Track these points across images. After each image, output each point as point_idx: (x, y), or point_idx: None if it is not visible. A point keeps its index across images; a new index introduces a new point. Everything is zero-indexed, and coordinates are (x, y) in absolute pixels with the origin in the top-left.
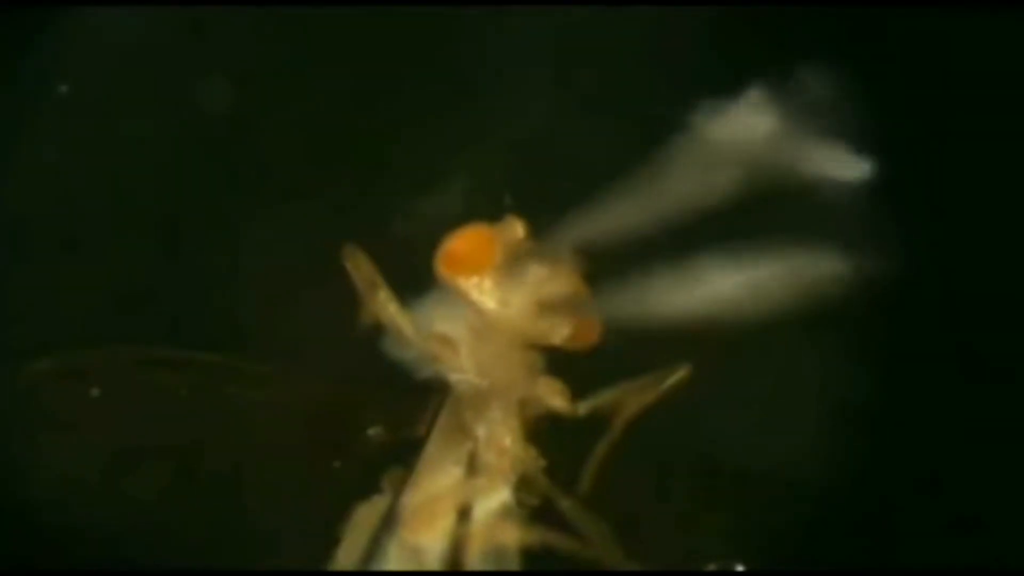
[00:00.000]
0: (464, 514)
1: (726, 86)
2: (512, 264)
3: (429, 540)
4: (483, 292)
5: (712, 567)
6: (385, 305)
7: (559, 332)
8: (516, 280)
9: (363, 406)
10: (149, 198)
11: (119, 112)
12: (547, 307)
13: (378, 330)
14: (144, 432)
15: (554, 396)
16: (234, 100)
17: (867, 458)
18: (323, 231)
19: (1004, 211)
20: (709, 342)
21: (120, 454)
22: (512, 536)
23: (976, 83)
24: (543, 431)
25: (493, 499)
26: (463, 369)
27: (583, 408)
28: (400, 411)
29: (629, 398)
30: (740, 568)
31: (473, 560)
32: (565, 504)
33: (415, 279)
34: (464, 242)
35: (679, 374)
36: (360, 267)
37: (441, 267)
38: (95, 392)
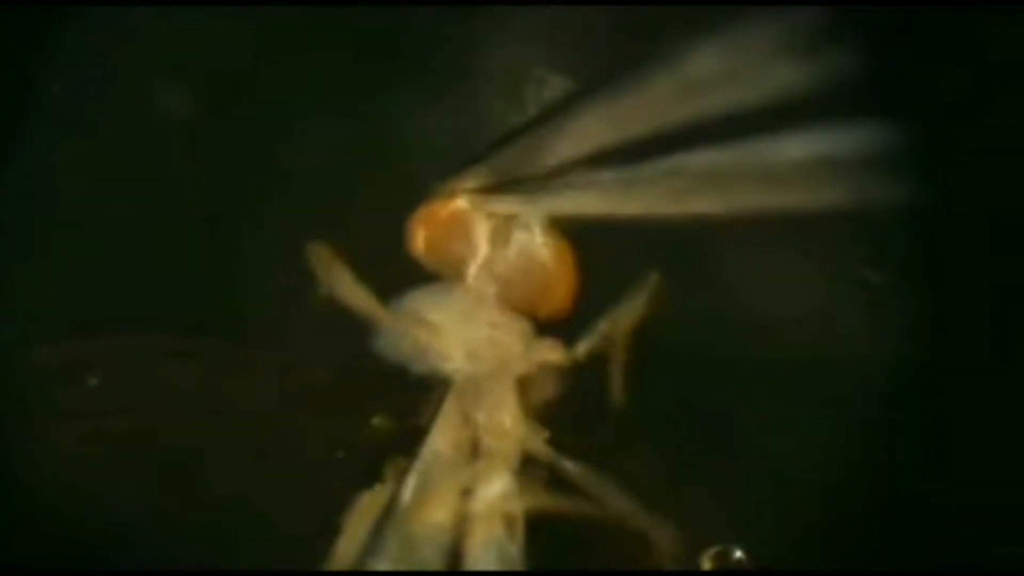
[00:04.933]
0: (466, 502)
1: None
2: (493, 236)
3: (431, 530)
4: (469, 270)
5: (712, 552)
6: (356, 297)
7: (548, 299)
8: (499, 251)
9: (367, 396)
10: (147, 193)
11: (113, 110)
12: (532, 273)
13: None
14: (145, 422)
15: (551, 352)
16: (230, 97)
17: (875, 454)
18: (325, 224)
19: None
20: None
21: (120, 444)
22: (515, 523)
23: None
24: (543, 410)
25: (494, 484)
26: (452, 357)
27: (580, 352)
28: (404, 400)
29: (620, 319)
30: (739, 553)
31: (475, 550)
32: (573, 469)
33: (411, 274)
34: (441, 225)
35: (651, 281)
36: (322, 262)
37: (421, 251)
38: (94, 382)
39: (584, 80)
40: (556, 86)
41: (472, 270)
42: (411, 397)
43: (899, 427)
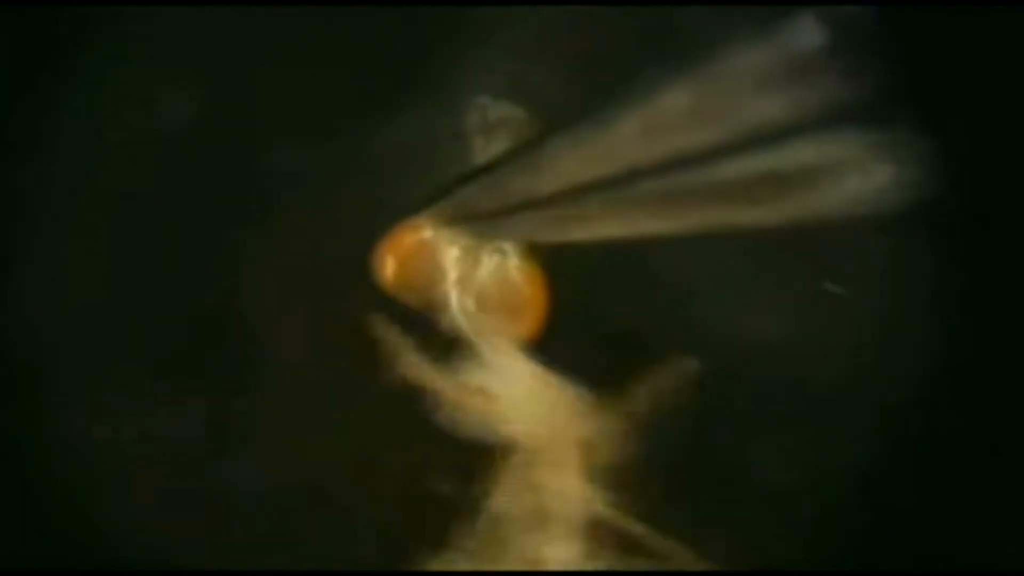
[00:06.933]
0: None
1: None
2: (461, 260)
3: None
4: (439, 295)
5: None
6: (416, 370)
7: (519, 320)
8: (468, 274)
9: (427, 460)
10: (146, 196)
11: (114, 111)
12: (503, 295)
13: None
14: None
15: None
16: (231, 100)
17: (872, 463)
18: (321, 231)
19: None
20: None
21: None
22: None
23: None
24: (605, 471)
25: (561, 549)
26: (512, 420)
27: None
28: (469, 467)
29: (642, 399)
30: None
31: None
32: (638, 530)
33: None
34: (408, 253)
35: (687, 369)
36: (384, 334)
37: (390, 279)
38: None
39: (553, 117)
40: (524, 121)
41: (442, 295)
42: (477, 463)
43: (893, 442)
